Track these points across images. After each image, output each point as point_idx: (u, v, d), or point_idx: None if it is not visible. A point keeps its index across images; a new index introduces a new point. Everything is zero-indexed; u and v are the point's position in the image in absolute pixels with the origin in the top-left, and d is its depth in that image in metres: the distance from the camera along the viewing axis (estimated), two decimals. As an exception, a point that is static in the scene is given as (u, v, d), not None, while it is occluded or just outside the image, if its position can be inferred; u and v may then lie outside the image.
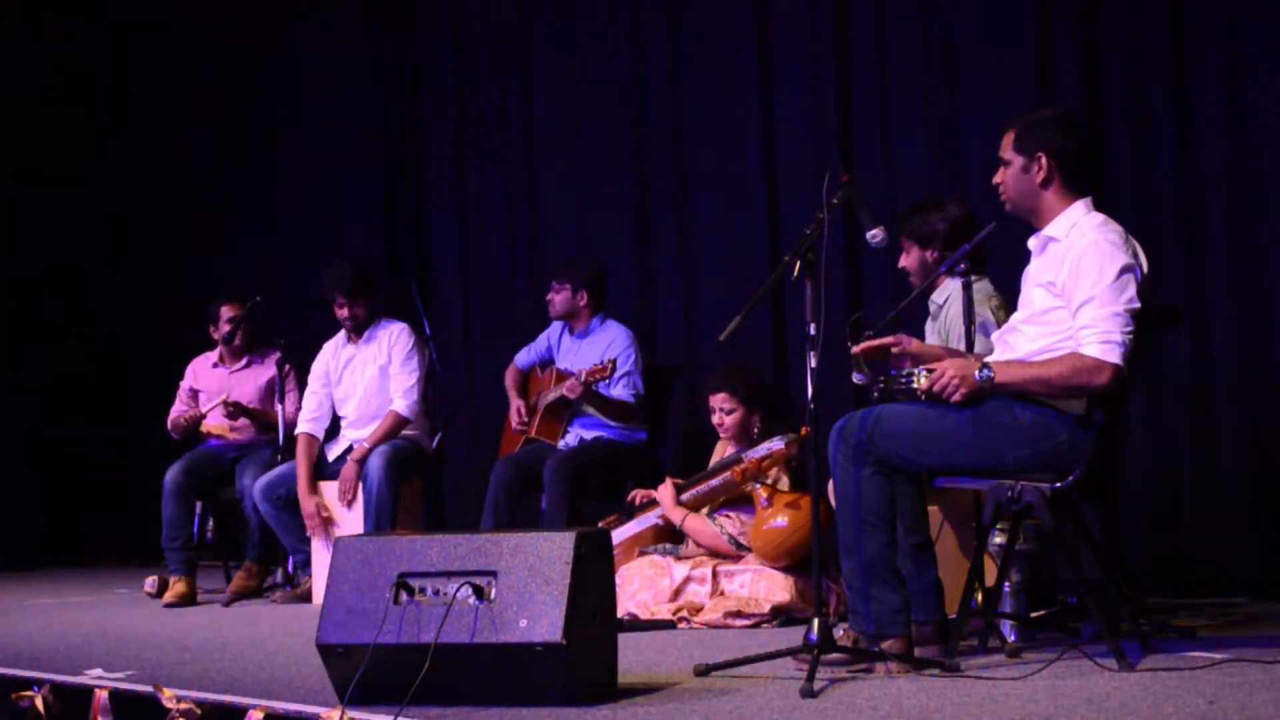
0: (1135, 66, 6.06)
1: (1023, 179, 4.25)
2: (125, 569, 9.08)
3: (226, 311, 7.39)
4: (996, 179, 4.32)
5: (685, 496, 5.80)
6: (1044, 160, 4.21)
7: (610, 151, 7.85)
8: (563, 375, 6.61)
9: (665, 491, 5.85)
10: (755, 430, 5.80)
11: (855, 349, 4.27)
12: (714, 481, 5.74)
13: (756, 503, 5.54)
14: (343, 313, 6.88)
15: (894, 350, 4.30)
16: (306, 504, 6.67)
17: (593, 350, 6.63)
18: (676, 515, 5.78)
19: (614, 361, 6.26)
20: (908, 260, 5.15)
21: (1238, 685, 3.62)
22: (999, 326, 4.65)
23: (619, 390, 6.46)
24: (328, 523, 6.65)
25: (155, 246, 10.10)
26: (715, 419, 5.89)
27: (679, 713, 3.55)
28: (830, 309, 3.99)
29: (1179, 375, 5.93)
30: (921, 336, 5.16)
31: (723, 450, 5.98)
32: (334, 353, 7.02)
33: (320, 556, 6.58)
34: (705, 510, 5.77)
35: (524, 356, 6.96)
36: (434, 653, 3.62)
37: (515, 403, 6.83)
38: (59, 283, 10.17)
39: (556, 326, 6.85)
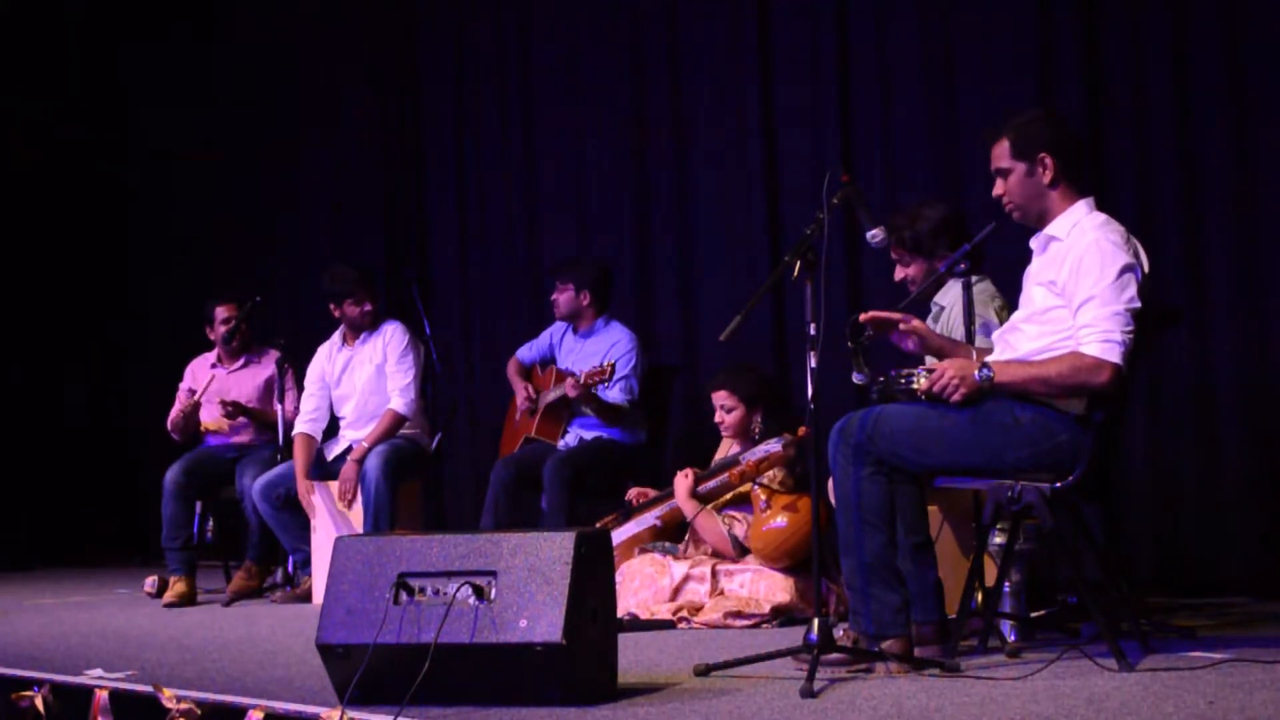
0: (1135, 66, 6.06)
1: (1029, 183, 4.22)
2: (125, 569, 9.08)
3: (221, 312, 7.38)
4: (997, 191, 4.28)
5: (700, 489, 5.75)
6: (1048, 160, 4.20)
7: (610, 151, 7.86)
8: (563, 376, 6.61)
9: (683, 483, 5.75)
10: (756, 429, 5.77)
11: (863, 317, 4.25)
12: (716, 480, 5.72)
13: (755, 504, 5.53)
14: (360, 309, 6.85)
15: (901, 327, 4.27)
16: (304, 494, 6.69)
17: (595, 350, 6.63)
18: (689, 508, 5.71)
19: (613, 365, 6.27)
20: (906, 272, 5.13)
21: (1238, 685, 3.62)
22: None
23: (614, 394, 6.46)
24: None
25: (155, 246, 10.10)
26: (717, 417, 5.88)
27: (679, 713, 3.55)
28: (830, 309, 3.99)
29: (1179, 375, 5.94)
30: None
31: (726, 449, 5.96)
32: (329, 355, 7.02)
33: (320, 556, 6.59)
34: (711, 506, 5.75)
35: (526, 352, 6.96)
36: (434, 653, 3.62)
37: (521, 383, 6.81)
38: (59, 282, 10.17)
39: (560, 325, 6.85)
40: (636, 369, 6.55)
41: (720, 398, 5.84)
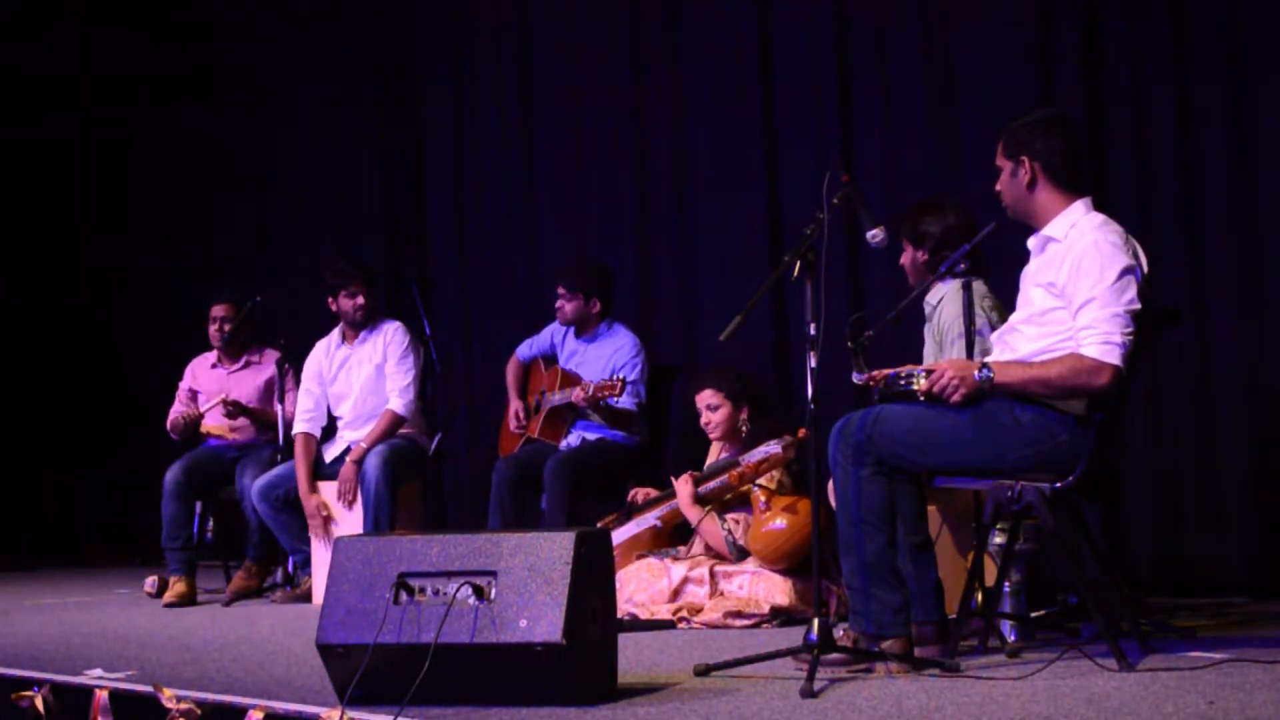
0: (1135, 66, 6.06)
1: (1012, 184, 4.28)
2: (125, 569, 9.08)
3: (218, 311, 7.37)
4: (997, 186, 4.33)
5: (701, 490, 5.73)
6: (1027, 163, 4.23)
7: (610, 150, 7.85)
8: (568, 376, 6.60)
9: (685, 488, 5.74)
10: (744, 428, 5.76)
11: (876, 374, 4.24)
12: (715, 482, 5.71)
13: (755, 506, 5.53)
14: (356, 301, 6.85)
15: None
16: (308, 503, 6.68)
17: (600, 354, 6.61)
18: (693, 514, 5.71)
19: (624, 381, 6.24)
20: (904, 258, 5.16)
21: (1238, 685, 3.62)
22: (993, 327, 4.65)
23: (623, 400, 6.43)
24: (328, 521, 6.65)
25: (154, 246, 10.10)
26: (703, 419, 5.86)
27: (679, 713, 3.55)
28: (830, 309, 3.99)
29: (1179, 375, 5.93)
30: (920, 339, 5.16)
31: (716, 453, 5.95)
32: (327, 352, 7.00)
33: (320, 556, 6.59)
34: (708, 509, 5.75)
35: (525, 350, 6.95)
36: (434, 653, 3.62)
37: (515, 404, 6.82)
38: (59, 283, 10.17)
39: (561, 325, 6.83)
40: (642, 373, 6.55)
41: (705, 397, 5.82)
